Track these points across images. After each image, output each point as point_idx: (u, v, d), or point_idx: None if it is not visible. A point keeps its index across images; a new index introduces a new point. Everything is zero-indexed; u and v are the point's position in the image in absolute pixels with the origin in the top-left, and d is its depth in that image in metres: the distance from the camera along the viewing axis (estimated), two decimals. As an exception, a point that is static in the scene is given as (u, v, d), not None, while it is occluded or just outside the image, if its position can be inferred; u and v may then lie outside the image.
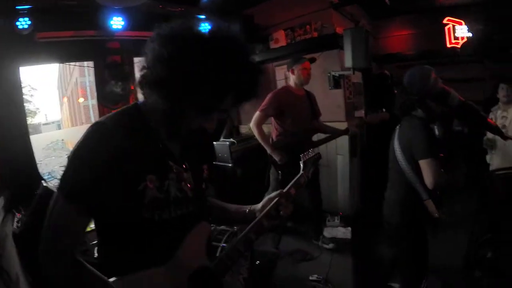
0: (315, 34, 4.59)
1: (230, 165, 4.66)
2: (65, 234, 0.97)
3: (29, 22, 3.33)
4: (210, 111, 1.04)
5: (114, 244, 1.06)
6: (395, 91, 2.70)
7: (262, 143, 3.65)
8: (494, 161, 3.68)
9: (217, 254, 1.85)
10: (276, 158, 3.55)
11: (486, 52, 5.64)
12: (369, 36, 4.29)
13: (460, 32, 5.71)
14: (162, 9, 4.38)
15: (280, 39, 4.87)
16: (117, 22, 3.92)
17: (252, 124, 3.66)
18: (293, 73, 3.70)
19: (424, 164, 2.02)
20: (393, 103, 2.36)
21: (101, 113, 4.42)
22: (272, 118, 3.75)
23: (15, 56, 3.50)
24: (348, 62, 4.14)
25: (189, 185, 1.13)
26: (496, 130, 1.04)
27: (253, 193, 4.12)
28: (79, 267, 0.97)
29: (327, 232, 4.18)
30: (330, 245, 3.84)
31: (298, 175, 1.46)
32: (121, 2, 3.79)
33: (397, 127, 2.34)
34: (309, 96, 3.86)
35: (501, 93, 3.62)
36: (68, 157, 0.99)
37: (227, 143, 4.66)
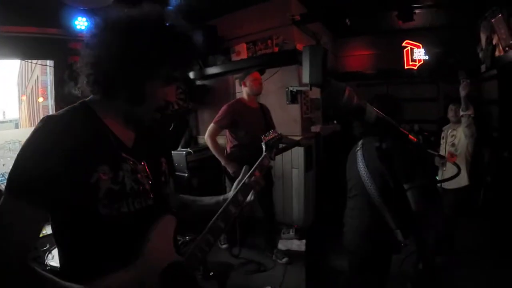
0: (276, 49, 4.65)
1: (186, 175, 4.63)
2: (15, 233, 0.88)
3: (-9, 15, 3.24)
4: (168, 82, 1.08)
5: (74, 247, 1.00)
6: None
7: (216, 155, 3.66)
8: (445, 178, 3.83)
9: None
10: (230, 170, 3.57)
11: (441, 74, 5.92)
12: (327, 54, 4.40)
13: (417, 54, 6.02)
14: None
15: (241, 52, 4.90)
16: (81, 23, 3.85)
17: (206, 136, 3.68)
18: (245, 85, 3.77)
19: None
20: (350, 121, 2.35)
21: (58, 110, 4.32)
22: (227, 130, 3.78)
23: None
24: (305, 78, 4.22)
25: (146, 178, 1.09)
26: (418, 146, 1.08)
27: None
28: (34, 275, 0.88)
29: (282, 244, 4.22)
30: (284, 260, 3.85)
31: (261, 157, 1.45)
32: (86, 3, 3.74)
33: (358, 150, 2.28)
34: (263, 109, 3.92)
35: (450, 113, 3.84)
36: (17, 155, 0.92)
37: (184, 152, 4.64)
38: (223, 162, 3.63)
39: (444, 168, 3.86)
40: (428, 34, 6.00)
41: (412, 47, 6.00)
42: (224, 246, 4.17)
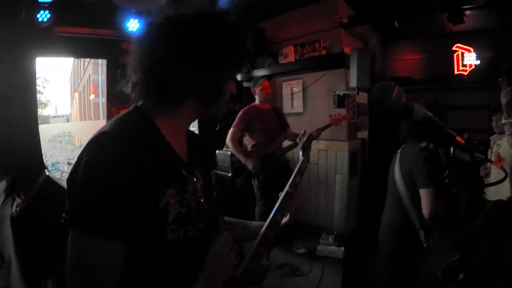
0: (324, 52, 4.64)
1: (229, 174, 4.70)
2: (107, 276, 0.80)
3: (49, 16, 3.50)
4: (235, 75, 1.09)
5: (133, 276, 0.87)
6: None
7: (237, 154, 4.02)
8: (489, 189, 3.74)
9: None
10: (250, 165, 3.87)
11: (493, 80, 5.68)
12: (375, 58, 4.32)
13: (468, 59, 5.76)
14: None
15: (289, 54, 4.92)
16: (133, 24, 4.07)
17: (227, 140, 4.01)
18: (255, 93, 4.15)
19: (423, 193, 2.02)
20: (397, 125, 2.37)
21: (109, 111, 4.64)
22: (246, 132, 4.11)
23: (33, 47, 3.69)
24: (353, 82, 4.18)
25: (203, 195, 1.03)
26: (466, 149, 1.04)
27: (250, 205, 4.20)
28: None
29: (320, 250, 4.21)
30: (302, 250, 4.10)
31: (300, 162, 1.42)
32: (137, 4, 3.90)
33: (399, 150, 2.35)
34: (276, 111, 4.23)
35: (493, 124, 3.79)
36: (76, 182, 0.80)
37: (228, 152, 4.69)
38: (243, 160, 3.94)
39: (489, 179, 3.75)
40: (480, 37, 5.75)
41: (463, 51, 5.76)
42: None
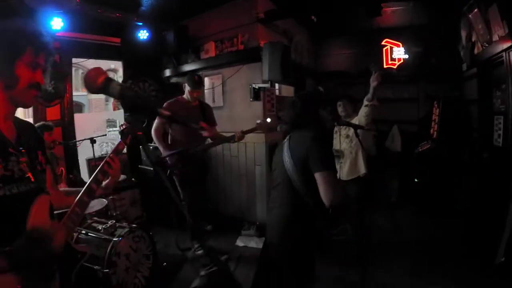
0: (241, 47, 4.72)
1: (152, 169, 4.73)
2: None
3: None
4: (34, 67, 1.31)
5: None
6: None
7: (158, 145, 3.98)
8: (343, 170, 3.84)
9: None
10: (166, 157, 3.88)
11: (422, 73, 5.83)
12: (289, 51, 4.40)
13: (397, 53, 5.92)
14: (101, 14, 4.54)
15: (210, 50, 5.01)
16: (57, 23, 4.11)
17: (152, 130, 3.97)
18: (184, 88, 4.06)
19: (319, 177, 1.99)
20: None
21: (35, 108, 4.72)
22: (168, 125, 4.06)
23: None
24: (265, 74, 4.26)
25: (27, 167, 1.34)
26: (171, 120, 1.28)
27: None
28: None
29: (240, 241, 4.28)
30: (199, 252, 4.00)
31: (117, 143, 1.66)
32: (49, 5, 3.95)
33: (285, 140, 2.30)
34: (202, 107, 4.13)
35: (339, 109, 3.87)
36: None
37: (151, 147, 4.73)
38: (161, 150, 3.94)
39: (341, 161, 3.85)
40: (408, 33, 5.92)
41: (392, 46, 5.92)
42: (200, 252, 4.14)
